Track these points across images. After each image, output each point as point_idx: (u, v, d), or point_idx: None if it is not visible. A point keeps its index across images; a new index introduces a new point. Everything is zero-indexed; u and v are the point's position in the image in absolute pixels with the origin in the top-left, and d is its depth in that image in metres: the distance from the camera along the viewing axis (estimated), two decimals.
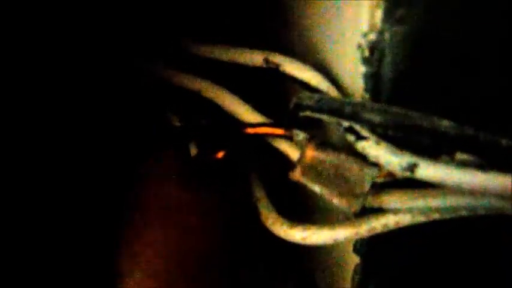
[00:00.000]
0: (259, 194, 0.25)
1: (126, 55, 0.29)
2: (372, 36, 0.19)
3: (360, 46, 0.19)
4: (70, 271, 0.26)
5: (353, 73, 0.20)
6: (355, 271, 0.25)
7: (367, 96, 0.20)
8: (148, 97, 0.29)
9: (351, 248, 0.24)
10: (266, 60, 0.24)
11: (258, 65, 0.24)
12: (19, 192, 0.28)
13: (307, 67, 0.22)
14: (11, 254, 0.28)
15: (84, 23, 0.28)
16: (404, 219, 0.21)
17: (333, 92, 0.22)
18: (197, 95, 0.26)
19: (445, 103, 0.21)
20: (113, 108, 0.29)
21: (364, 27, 0.19)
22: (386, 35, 0.19)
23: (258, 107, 0.25)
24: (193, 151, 0.25)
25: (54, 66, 0.28)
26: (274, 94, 0.26)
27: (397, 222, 0.21)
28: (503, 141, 0.18)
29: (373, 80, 0.20)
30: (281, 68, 0.23)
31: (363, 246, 0.24)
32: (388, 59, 0.19)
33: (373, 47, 0.19)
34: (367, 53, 0.19)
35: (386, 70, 0.19)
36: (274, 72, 0.23)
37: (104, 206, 0.26)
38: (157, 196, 0.26)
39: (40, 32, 0.27)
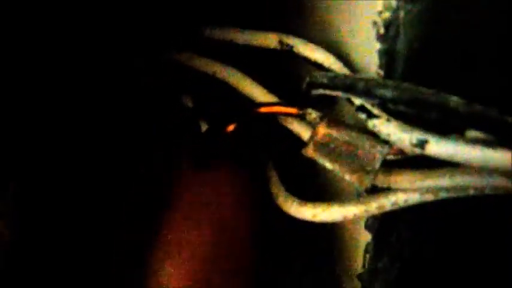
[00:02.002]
0: (270, 173, 0.25)
1: (139, 42, 0.30)
2: (387, 14, 0.19)
3: (375, 23, 0.20)
4: (102, 269, 0.27)
5: (367, 50, 0.21)
6: (366, 250, 0.25)
7: (381, 72, 0.21)
8: (161, 82, 0.29)
9: (361, 228, 0.25)
10: (280, 42, 0.24)
11: (272, 46, 0.25)
12: (51, 192, 0.29)
13: (321, 48, 0.23)
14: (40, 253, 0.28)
15: (92, 13, 0.29)
16: (414, 198, 0.22)
17: (346, 72, 0.22)
18: (211, 77, 0.27)
19: (457, 80, 0.21)
20: (133, 101, 0.30)
21: (380, 5, 0.19)
22: (401, 13, 0.19)
23: (271, 89, 0.25)
24: (205, 129, 0.26)
25: (58, 63, 0.29)
26: (287, 76, 0.27)
27: (406, 200, 0.22)
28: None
29: (387, 56, 0.20)
30: (295, 50, 0.24)
31: (375, 222, 0.24)
32: (402, 36, 0.20)
33: (388, 24, 0.19)
34: (382, 30, 0.20)
35: (401, 47, 0.20)
36: (288, 54, 0.24)
37: (136, 204, 0.26)
38: (189, 192, 0.25)
39: (46, 28, 0.28)
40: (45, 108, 0.29)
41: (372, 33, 0.20)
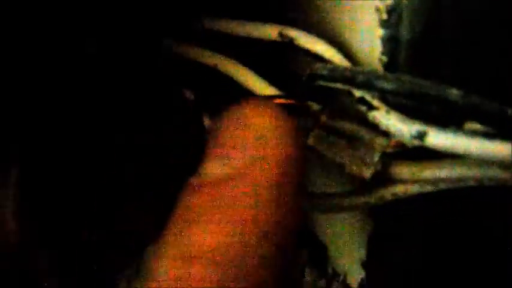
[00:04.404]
0: None
1: (139, 34, 0.30)
2: (390, 0, 0.19)
3: (378, 9, 0.20)
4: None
5: (370, 37, 0.21)
6: (370, 238, 0.25)
7: (384, 58, 0.21)
8: (162, 74, 0.30)
9: (365, 216, 0.25)
10: (280, 34, 0.24)
11: (272, 39, 0.25)
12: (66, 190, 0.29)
13: (321, 40, 0.23)
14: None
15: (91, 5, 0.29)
16: (413, 188, 0.22)
17: (346, 64, 0.22)
18: (212, 70, 0.27)
19: (461, 67, 0.21)
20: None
21: None
22: None
23: (271, 81, 0.25)
24: (207, 123, 0.26)
25: (55, 55, 0.29)
26: (288, 68, 0.27)
27: (406, 191, 0.22)
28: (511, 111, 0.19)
29: (390, 42, 0.20)
30: (295, 42, 0.24)
31: (379, 210, 0.24)
32: (405, 21, 0.20)
33: (391, 9, 0.20)
34: (385, 16, 0.20)
35: (404, 32, 0.20)
36: (288, 46, 0.24)
37: (149, 206, 0.26)
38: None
39: (46, 18, 0.28)
40: (47, 99, 0.29)
41: (374, 20, 0.21)
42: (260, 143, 0.18)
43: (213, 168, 0.18)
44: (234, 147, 0.18)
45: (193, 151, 0.28)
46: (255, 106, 0.19)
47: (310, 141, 0.22)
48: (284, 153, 0.18)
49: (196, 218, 0.17)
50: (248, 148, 0.18)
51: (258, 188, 0.17)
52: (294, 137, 0.18)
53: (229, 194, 0.17)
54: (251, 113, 0.18)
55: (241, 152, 0.18)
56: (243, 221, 0.17)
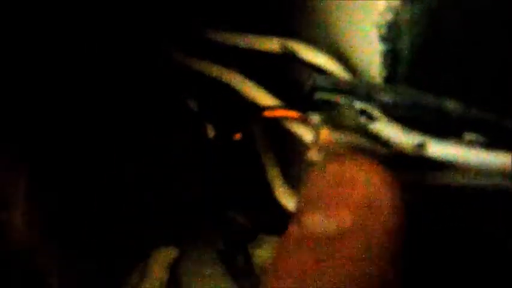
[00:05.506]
0: (274, 172, 0.26)
1: (143, 45, 0.30)
2: (389, 15, 0.20)
3: (377, 25, 0.20)
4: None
5: (369, 51, 0.21)
6: None
7: (384, 73, 0.21)
8: (167, 83, 0.30)
9: None
10: (283, 47, 0.25)
11: (275, 51, 0.25)
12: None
13: (323, 53, 0.24)
14: None
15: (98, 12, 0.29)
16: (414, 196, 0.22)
17: (347, 77, 0.23)
18: (215, 81, 0.27)
19: (460, 79, 0.22)
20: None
21: (382, 6, 0.20)
22: (403, 14, 0.20)
23: (274, 92, 0.26)
24: (211, 133, 0.27)
25: (59, 61, 0.29)
26: (290, 80, 0.27)
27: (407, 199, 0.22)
28: (508, 122, 0.19)
29: (390, 57, 0.21)
30: (297, 54, 0.24)
31: None
32: (405, 36, 0.20)
33: (391, 25, 0.20)
34: (384, 31, 0.20)
35: (403, 47, 0.21)
36: (290, 58, 0.25)
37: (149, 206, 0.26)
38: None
39: (48, 26, 0.28)
40: (48, 101, 0.29)
41: (374, 35, 0.21)
42: (368, 201, 0.18)
43: (316, 220, 0.18)
44: (339, 203, 0.18)
45: (194, 155, 0.28)
46: (358, 163, 0.19)
47: (313, 154, 0.22)
48: (391, 211, 0.18)
49: (307, 275, 0.17)
50: (356, 205, 0.18)
51: (370, 246, 0.17)
52: (397, 193, 0.19)
53: (343, 248, 0.17)
54: (355, 170, 0.19)
55: (349, 209, 0.18)
56: (361, 277, 0.17)
